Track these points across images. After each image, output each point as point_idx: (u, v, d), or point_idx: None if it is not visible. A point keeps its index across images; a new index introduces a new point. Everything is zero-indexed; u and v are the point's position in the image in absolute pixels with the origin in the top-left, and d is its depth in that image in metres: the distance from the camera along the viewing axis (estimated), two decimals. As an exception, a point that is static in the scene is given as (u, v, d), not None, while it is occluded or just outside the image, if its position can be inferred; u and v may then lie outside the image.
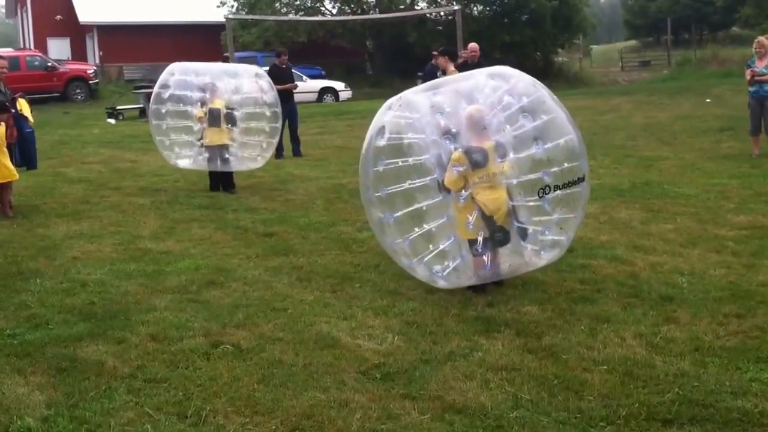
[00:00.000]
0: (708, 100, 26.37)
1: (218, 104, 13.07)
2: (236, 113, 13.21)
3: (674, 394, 5.36)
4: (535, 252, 7.45)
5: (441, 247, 7.27)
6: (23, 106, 12.25)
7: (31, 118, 12.42)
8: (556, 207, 7.27)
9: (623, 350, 6.13)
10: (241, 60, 33.24)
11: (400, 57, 42.59)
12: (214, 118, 13.02)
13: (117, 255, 9.39)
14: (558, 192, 7.16)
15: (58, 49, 48.75)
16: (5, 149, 11.43)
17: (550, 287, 7.72)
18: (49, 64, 38.65)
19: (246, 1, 45.14)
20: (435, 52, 16.29)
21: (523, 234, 7.33)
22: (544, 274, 8.06)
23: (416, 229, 7.27)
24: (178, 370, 5.98)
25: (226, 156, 13.23)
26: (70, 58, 46.67)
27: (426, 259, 7.32)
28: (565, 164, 7.27)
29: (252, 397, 5.50)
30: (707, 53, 47.29)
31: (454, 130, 7.18)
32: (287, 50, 20.45)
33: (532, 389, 5.51)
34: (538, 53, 48.68)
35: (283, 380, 5.75)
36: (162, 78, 13.55)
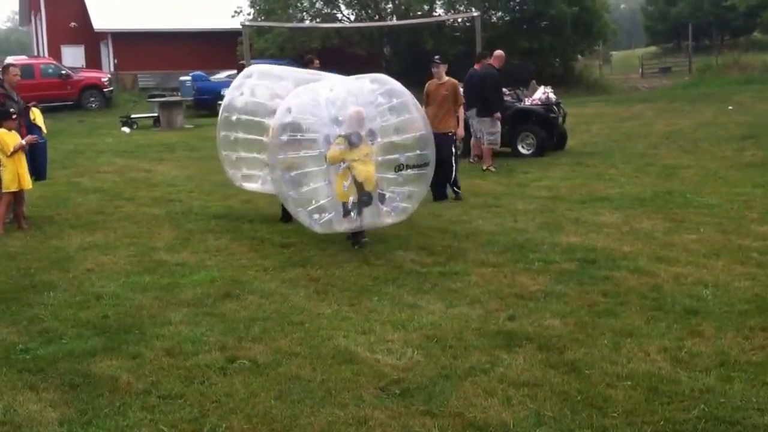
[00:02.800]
0: (730, 108, 26.18)
1: None
2: None
3: (700, 410, 5.24)
4: (387, 212, 9.79)
5: (321, 202, 9.57)
6: (36, 115, 12.23)
7: (44, 128, 12.40)
8: (408, 182, 9.82)
9: (647, 365, 6.00)
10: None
11: (418, 64, 42.43)
12: None
13: (131, 267, 9.34)
14: (410, 170, 9.73)
15: (73, 56, 48.84)
16: (23, 157, 11.41)
17: (573, 300, 7.60)
18: (63, 72, 38.66)
19: (262, 8, 45.10)
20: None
21: (382, 199, 9.69)
22: (566, 287, 7.97)
23: (304, 187, 9.65)
24: (193, 385, 5.89)
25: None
26: (84, 66, 46.71)
27: (308, 209, 9.59)
28: (417, 151, 9.76)
29: (269, 413, 5.41)
30: (728, 59, 46.99)
31: (340, 119, 9.47)
32: (316, 54, 19.36)
33: (555, 406, 5.39)
34: (558, 60, 48.45)
35: (301, 396, 5.65)
36: (237, 81, 12.26)
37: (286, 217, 11.56)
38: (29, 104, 12.31)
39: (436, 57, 13.79)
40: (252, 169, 11.86)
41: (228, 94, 12.08)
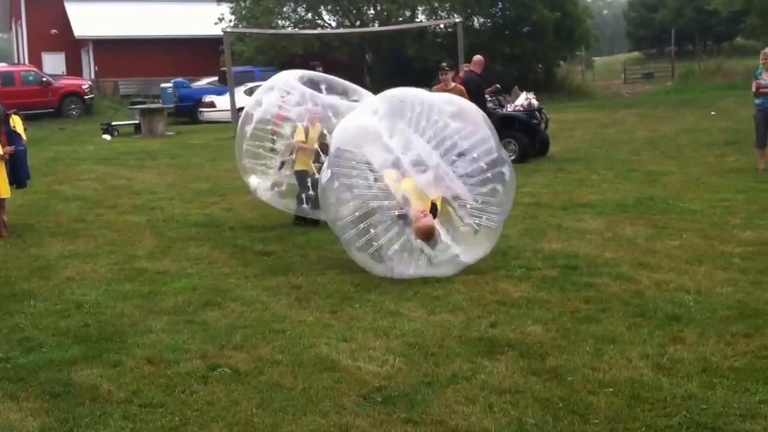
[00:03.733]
0: (712, 113, 26.32)
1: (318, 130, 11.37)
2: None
3: (682, 417, 5.24)
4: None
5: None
6: (17, 122, 12.11)
7: (24, 135, 12.29)
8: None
9: (629, 372, 6.00)
10: (237, 75, 33.18)
11: (400, 70, 42.47)
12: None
13: (112, 275, 9.29)
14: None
15: (53, 63, 48.70)
16: (2, 165, 11.35)
17: (555, 306, 7.60)
18: (44, 79, 38.47)
19: (243, 15, 45.04)
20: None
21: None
22: (548, 293, 7.98)
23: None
24: (174, 394, 5.86)
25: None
26: (64, 73, 46.54)
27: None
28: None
29: (250, 422, 5.38)
30: (711, 65, 47.24)
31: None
32: (318, 63, 19.03)
33: (537, 413, 5.38)
34: (540, 65, 48.59)
35: (282, 404, 5.62)
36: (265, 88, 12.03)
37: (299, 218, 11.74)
38: (9, 111, 12.20)
39: (444, 64, 13.85)
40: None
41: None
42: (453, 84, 13.57)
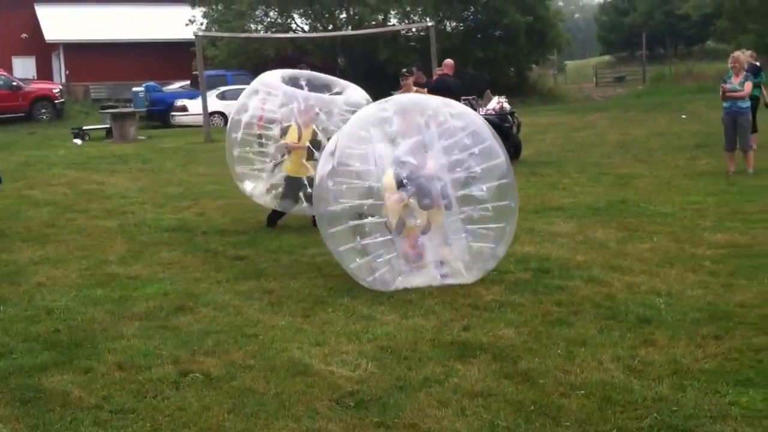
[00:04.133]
0: (683, 116, 26.52)
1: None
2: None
3: (652, 419, 5.27)
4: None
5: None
6: None
7: None
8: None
9: (600, 374, 6.02)
10: (210, 78, 33.08)
11: (373, 74, 42.49)
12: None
13: (83, 281, 9.21)
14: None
15: (24, 68, 48.38)
16: None
17: (527, 309, 7.62)
18: (14, 83, 38.28)
19: (215, 18, 44.92)
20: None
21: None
22: (521, 297, 7.99)
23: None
24: (146, 400, 5.82)
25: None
26: (35, 77, 46.24)
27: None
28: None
29: (222, 427, 5.36)
30: (682, 68, 47.57)
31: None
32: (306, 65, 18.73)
33: (509, 415, 5.39)
34: (512, 69, 48.79)
35: (254, 409, 5.60)
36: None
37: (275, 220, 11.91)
38: None
39: (404, 69, 13.82)
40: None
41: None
42: (415, 89, 13.55)
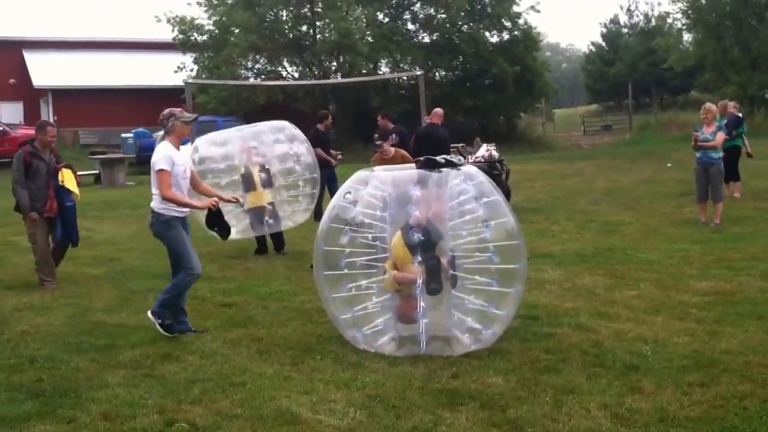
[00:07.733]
0: (669, 165, 26.62)
1: (249, 168, 13.75)
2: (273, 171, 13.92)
3: (641, 468, 5.24)
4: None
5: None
6: (67, 177, 11.62)
7: (76, 191, 11.75)
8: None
9: (588, 422, 6.00)
10: (200, 124, 33.10)
11: (363, 121, 42.69)
12: (247, 182, 13.66)
13: (68, 329, 9.15)
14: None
15: (11, 113, 48.15)
16: None
17: (515, 357, 7.60)
18: (0, 128, 38.30)
19: (206, 65, 45.10)
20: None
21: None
22: (509, 344, 7.96)
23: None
24: (130, 450, 5.77)
25: (268, 218, 13.74)
26: (22, 123, 46.14)
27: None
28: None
29: (207, 477, 5.31)
30: (667, 117, 47.85)
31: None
32: (329, 113, 19.43)
33: (497, 465, 5.36)
34: (501, 117, 49.10)
35: (240, 459, 5.56)
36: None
37: (263, 248, 14.17)
38: (59, 165, 11.71)
39: (376, 136, 13.46)
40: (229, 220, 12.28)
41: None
42: (393, 150, 13.04)
